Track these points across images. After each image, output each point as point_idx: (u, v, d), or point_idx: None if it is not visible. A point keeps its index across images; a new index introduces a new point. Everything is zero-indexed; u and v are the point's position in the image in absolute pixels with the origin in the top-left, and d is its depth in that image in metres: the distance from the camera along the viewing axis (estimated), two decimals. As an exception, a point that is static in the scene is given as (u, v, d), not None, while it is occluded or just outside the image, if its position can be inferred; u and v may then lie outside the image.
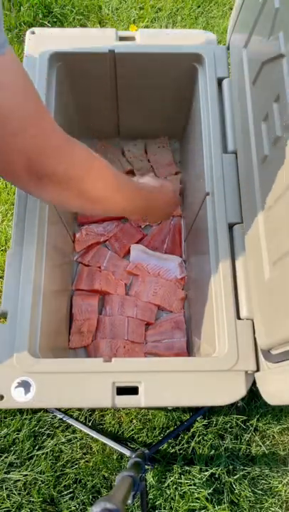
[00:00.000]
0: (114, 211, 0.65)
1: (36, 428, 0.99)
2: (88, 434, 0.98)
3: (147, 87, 0.92)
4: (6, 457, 0.97)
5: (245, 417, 1.02)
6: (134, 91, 0.94)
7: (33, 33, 0.85)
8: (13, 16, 1.42)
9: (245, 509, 0.94)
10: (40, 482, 0.95)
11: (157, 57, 0.85)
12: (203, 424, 1.00)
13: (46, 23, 1.43)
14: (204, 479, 0.96)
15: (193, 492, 0.95)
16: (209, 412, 1.02)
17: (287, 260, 0.53)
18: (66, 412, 0.99)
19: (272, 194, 0.58)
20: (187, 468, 0.97)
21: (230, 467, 0.98)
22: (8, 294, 0.67)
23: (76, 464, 0.97)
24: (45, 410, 1.00)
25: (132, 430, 1.00)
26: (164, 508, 0.94)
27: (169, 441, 0.99)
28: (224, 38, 1.42)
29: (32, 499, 0.93)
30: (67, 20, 1.46)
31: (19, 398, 0.62)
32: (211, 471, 0.97)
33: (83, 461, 0.98)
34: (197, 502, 0.94)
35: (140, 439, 1.00)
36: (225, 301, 0.68)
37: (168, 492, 0.95)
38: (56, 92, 0.82)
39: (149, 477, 0.96)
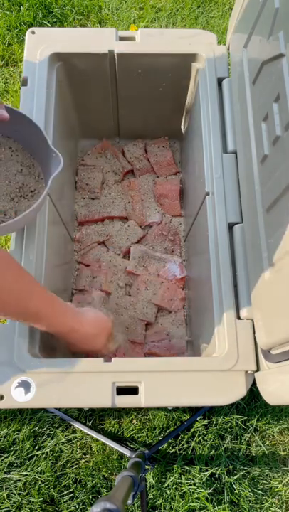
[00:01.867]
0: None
1: (36, 428, 0.99)
2: (88, 434, 0.98)
3: (147, 87, 0.92)
4: (6, 457, 0.97)
5: (245, 417, 1.02)
6: (134, 91, 0.93)
7: (33, 32, 0.85)
8: (13, 16, 1.42)
9: (245, 509, 0.94)
10: (40, 482, 0.95)
11: (157, 57, 0.85)
12: (203, 424, 1.00)
13: (46, 23, 1.43)
14: (204, 479, 0.96)
15: (193, 492, 0.95)
16: (209, 412, 1.02)
17: (287, 260, 0.53)
18: (66, 412, 0.99)
19: (271, 194, 0.58)
20: (187, 468, 0.97)
21: (230, 467, 0.98)
22: (8, 293, 0.66)
23: (76, 464, 0.97)
24: (45, 410, 1.00)
25: (132, 430, 1.00)
26: (164, 508, 0.94)
27: (169, 441, 0.99)
28: (224, 38, 1.42)
29: (32, 499, 0.93)
30: (67, 20, 1.46)
31: (19, 398, 0.62)
32: (211, 471, 0.97)
33: (83, 461, 0.98)
34: (197, 502, 0.94)
35: (140, 439, 1.00)
36: (225, 301, 0.68)
37: (168, 492, 0.95)
38: (56, 92, 0.82)
39: (149, 477, 0.96)
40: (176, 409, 1.01)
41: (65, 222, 0.91)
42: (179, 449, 0.99)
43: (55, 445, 0.98)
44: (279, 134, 0.56)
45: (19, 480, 0.95)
